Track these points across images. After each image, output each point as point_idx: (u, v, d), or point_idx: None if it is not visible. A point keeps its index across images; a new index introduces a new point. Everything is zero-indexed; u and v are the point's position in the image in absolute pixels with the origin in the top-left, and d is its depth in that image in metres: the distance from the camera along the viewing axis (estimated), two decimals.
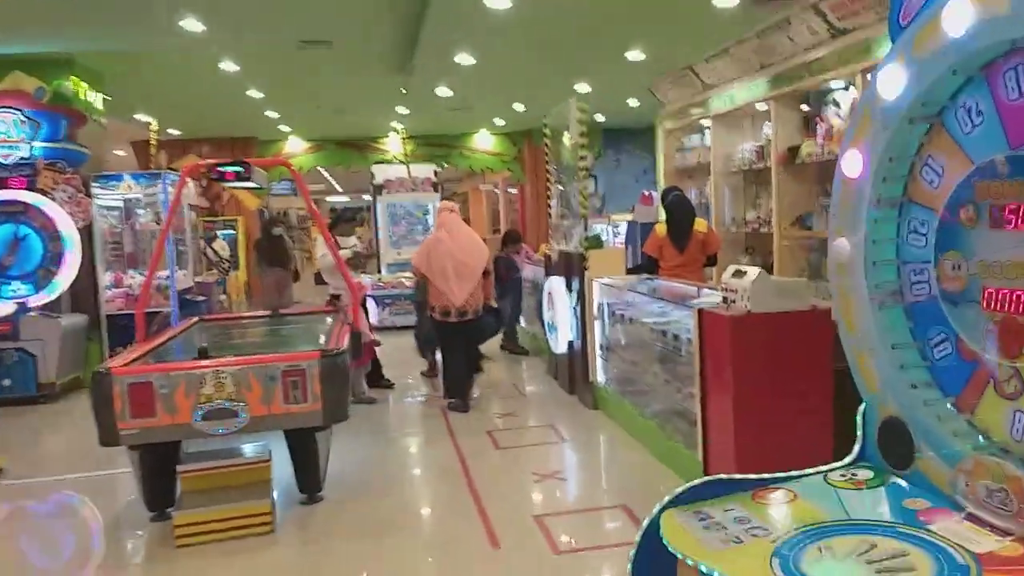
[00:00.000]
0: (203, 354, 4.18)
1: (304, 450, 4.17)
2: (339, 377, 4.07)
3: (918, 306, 1.73)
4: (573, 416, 5.73)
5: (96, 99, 8.29)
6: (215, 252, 13.92)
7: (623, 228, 11.04)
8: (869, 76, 5.25)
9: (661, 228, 5.94)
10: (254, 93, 10.23)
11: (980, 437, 1.59)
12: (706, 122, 8.09)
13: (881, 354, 1.75)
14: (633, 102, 12.65)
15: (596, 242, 5.94)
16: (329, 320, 5.38)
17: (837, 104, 6.26)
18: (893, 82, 1.67)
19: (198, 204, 11.23)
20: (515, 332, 8.53)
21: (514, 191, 19.55)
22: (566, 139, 6.88)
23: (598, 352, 5.73)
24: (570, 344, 6.14)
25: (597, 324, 5.72)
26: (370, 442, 5.33)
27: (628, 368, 5.22)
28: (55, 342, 7.24)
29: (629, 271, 5.98)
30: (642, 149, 17.03)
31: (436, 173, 13.73)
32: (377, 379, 6.82)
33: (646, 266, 5.95)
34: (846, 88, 6.09)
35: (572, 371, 6.19)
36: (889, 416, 1.76)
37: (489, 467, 4.72)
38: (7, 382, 7.19)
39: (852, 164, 1.81)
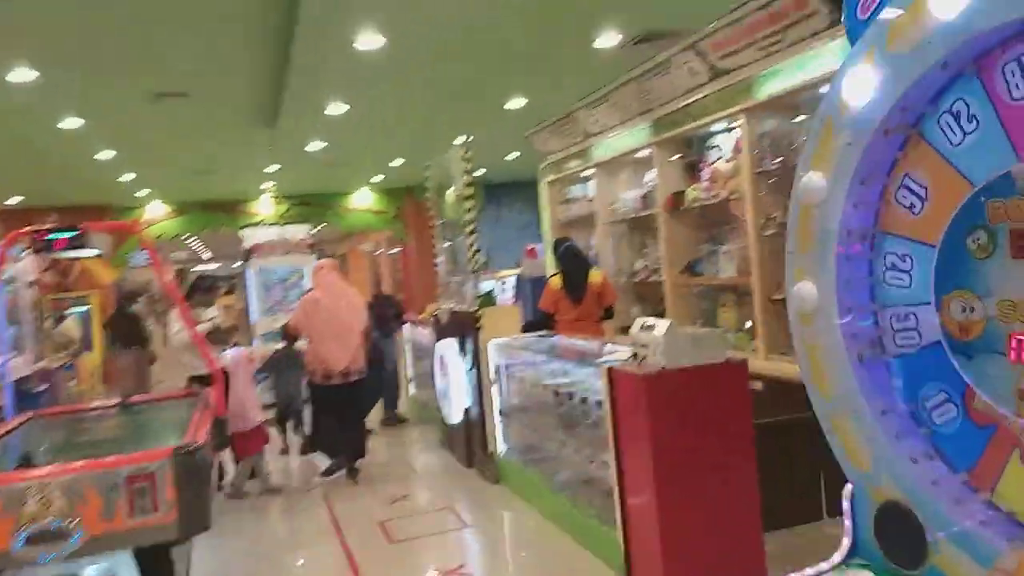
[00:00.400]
0: (26, 462, 3.43)
1: (158, 571, 3.46)
2: (198, 478, 3.41)
3: (906, 360, 1.40)
4: (474, 494, 5.21)
5: None
6: (63, 334, 12.56)
7: (510, 283, 10.76)
8: (746, 119, 5.23)
9: (555, 281, 5.62)
10: (105, 154, 9.33)
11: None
12: (589, 172, 7.96)
13: (868, 422, 1.40)
14: (513, 155, 12.55)
15: (489, 300, 5.54)
16: (189, 407, 4.65)
17: (719, 147, 6.22)
18: (862, 86, 1.36)
19: (40, 279, 10.04)
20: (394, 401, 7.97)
21: (396, 249, 19.00)
22: (450, 193, 6.53)
23: (497, 419, 5.27)
24: (466, 411, 5.65)
25: (494, 388, 5.28)
26: (241, 549, 4.60)
27: (531, 435, 4.79)
28: None
29: (524, 328, 5.59)
30: (523, 203, 17.00)
31: (312, 234, 13.05)
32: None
33: (542, 322, 5.59)
34: (728, 131, 6.06)
35: (469, 442, 5.69)
36: (888, 500, 1.41)
37: (383, 566, 4.12)
38: None
39: (812, 191, 1.48)
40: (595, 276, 5.63)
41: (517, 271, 10.44)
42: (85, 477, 3.21)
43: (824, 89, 4.85)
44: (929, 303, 1.33)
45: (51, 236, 3.99)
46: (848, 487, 1.53)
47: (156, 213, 14.67)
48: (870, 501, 1.47)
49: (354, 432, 5.96)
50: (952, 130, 1.29)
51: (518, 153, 12.51)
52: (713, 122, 5.81)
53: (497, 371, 5.25)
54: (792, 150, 5.04)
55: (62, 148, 8.80)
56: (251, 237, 12.74)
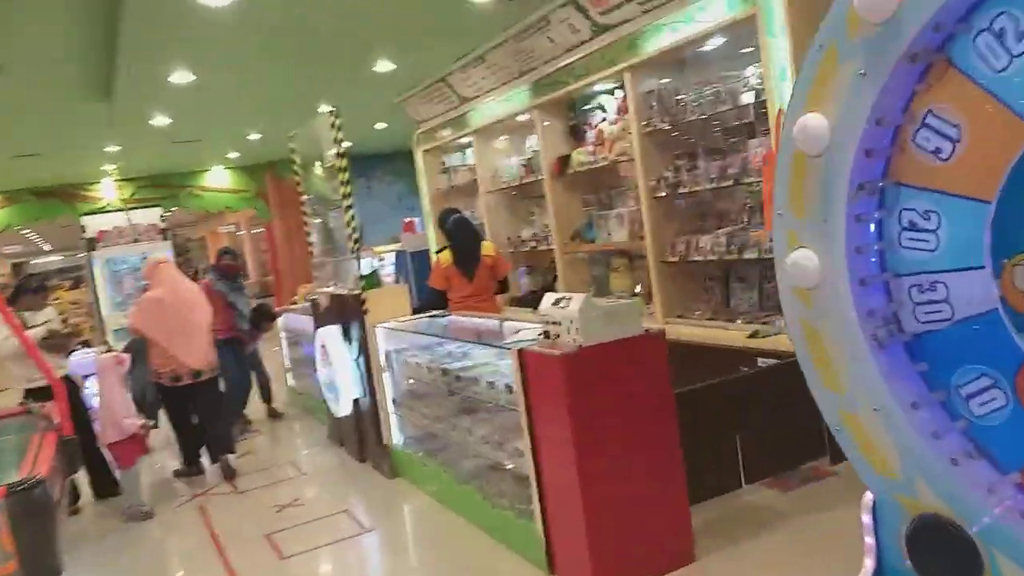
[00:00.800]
0: None
1: None
2: (41, 518, 2.85)
3: (932, 339, 1.16)
4: (371, 492, 4.79)
5: None
6: None
7: (389, 260, 10.26)
8: (631, 77, 5.01)
9: (445, 256, 5.24)
10: None
11: None
12: (467, 139, 7.59)
13: (895, 418, 1.15)
14: (381, 125, 11.94)
15: (374, 280, 5.08)
16: (25, 429, 3.95)
17: (604, 109, 6.01)
18: None
19: None
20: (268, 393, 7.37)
21: (260, 230, 17.93)
22: (318, 168, 5.98)
23: (391, 409, 4.87)
24: (356, 403, 5.20)
25: (386, 376, 4.86)
26: None
27: (430, 424, 4.42)
28: None
29: (415, 309, 5.19)
30: (394, 175, 16.43)
31: (163, 218, 11.96)
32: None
33: (434, 301, 5.21)
34: (612, 91, 5.85)
35: (361, 434, 5.25)
36: (925, 513, 1.16)
37: None
38: None
39: (812, 137, 1.19)
40: (487, 248, 5.30)
41: (395, 247, 9.95)
42: None
43: (712, 44, 4.71)
44: (963, 269, 1.09)
45: None
46: (867, 498, 1.28)
47: None
48: (901, 514, 1.22)
49: (216, 431, 5.65)
50: (994, 54, 1.04)
51: (386, 124, 11.92)
52: (596, 82, 5.58)
53: (388, 357, 4.84)
54: (681, 108, 4.89)
55: None
56: (94, 225, 11.56)
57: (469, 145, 7.72)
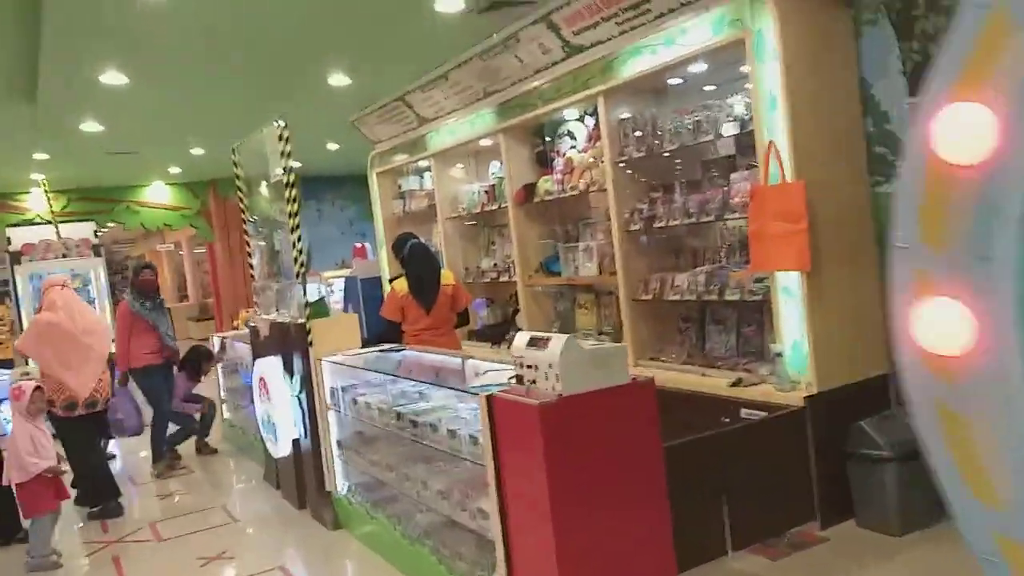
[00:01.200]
0: None
1: None
2: None
3: None
4: (310, 544, 4.29)
5: None
6: None
7: (338, 286, 9.75)
8: (605, 101, 4.71)
9: (401, 285, 4.83)
10: None
11: None
12: (425, 162, 7.21)
13: None
14: (334, 145, 11.51)
15: (321, 308, 4.62)
16: None
17: (573, 136, 5.71)
18: None
19: None
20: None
21: (202, 250, 17.19)
22: (264, 186, 5.55)
23: (335, 452, 4.40)
24: (296, 443, 4.71)
25: (331, 416, 4.40)
26: None
27: (380, 472, 3.97)
28: None
29: (366, 342, 4.75)
30: (346, 199, 15.97)
31: (97, 234, 11.25)
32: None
33: (387, 333, 4.79)
34: (583, 117, 5.56)
35: (301, 479, 4.75)
36: None
37: None
38: None
39: (965, 136, 0.85)
40: (447, 277, 4.92)
41: (344, 272, 9.47)
42: None
43: (694, 69, 4.44)
44: None
45: None
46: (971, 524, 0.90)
47: None
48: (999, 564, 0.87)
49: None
50: None
51: (338, 145, 11.49)
52: (567, 106, 5.27)
53: (333, 395, 4.38)
54: (658, 137, 4.61)
55: None
56: (20, 237, 10.79)
57: (427, 169, 7.35)
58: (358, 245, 11.50)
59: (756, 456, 3.37)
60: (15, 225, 11.93)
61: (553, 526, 2.55)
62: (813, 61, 3.75)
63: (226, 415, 7.19)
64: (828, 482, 3.50)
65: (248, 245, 5.89)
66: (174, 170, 12.95)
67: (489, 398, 2.78)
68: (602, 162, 4.96)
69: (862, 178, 3.94)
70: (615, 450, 2.68)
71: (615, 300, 5.17)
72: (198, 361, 6.67)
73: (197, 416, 6.52)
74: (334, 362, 4.39)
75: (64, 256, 10.71)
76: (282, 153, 4.64)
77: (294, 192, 4.66)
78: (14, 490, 4.38)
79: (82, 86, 6.36)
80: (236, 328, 7.98)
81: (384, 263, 7.80)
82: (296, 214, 4.69)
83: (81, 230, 11.32)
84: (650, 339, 4.84)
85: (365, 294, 7.67)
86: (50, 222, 11.25)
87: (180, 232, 16.98)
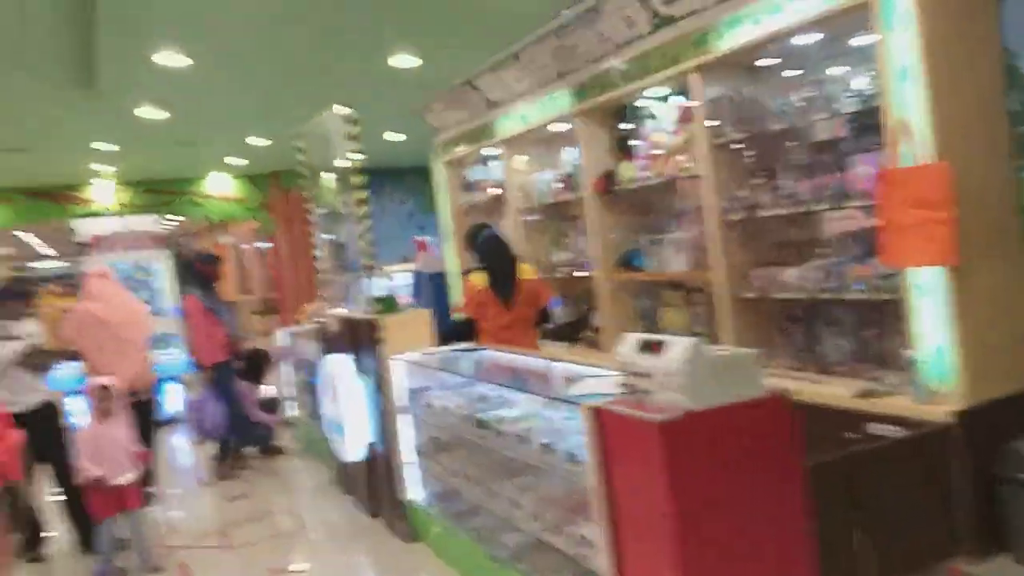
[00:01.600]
0: None
1: None
2: None
3: None
4: (384, 558, 4.00)
5: None
6: None
7: (399, 281, 9.52)
8: (701, 78, 4.29)
9: (478, 279, 4.50)
10: None
11: None
12: (494, 150, 6.88)
13: None
14: (393, 136, 11.26)
15: (391, 304, 4.34)
16: None
17: (655, 117, 5.29)
18: None
19: None
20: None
21: (265, 244, 17.23)
22: (328, 177, 5.32)
23: (411, 459, 4.10)
24: (370, 448, 4.43)
25: (406, 419, 4.10)
26: None
27: (461, 484, 3.65)
28: None
29: (441, 339, 4.45)
30: (405, 192, 15.79)
31: (163, 225, 11.26)
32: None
33: (462, 330, 4.47)
34: (665, 99, 5.14)
35: (374, 486, 4.48)
36: None
37: None
38: None
39: None
40: (527, 272, 4.57)
41: (408, 267, 9.23)
42: None
43: (805, 40, 3.98)
44: None
45: None
46: None
47: None
48: None
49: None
50: None
51: (399, 136, 11.24)
52: (654, 85, 4.86)
53: (407, 396, 4.08)
54: (762, 116, 4.17)
55: None
56: (88, 229, 10.88)
57: (495, 157, 7.02)
58: (419, 239, 11.28)
59: (895, 479, 2.93)
60: (82, 217, 12.03)
61: (678, 561, 2.18)
62: (952, 29, 3.28)
63: (292, 412, 7.00)
64: (980, 510, 3.05)
65: (313, 237, 5.66)
66: (237, 162, 12.90)
67: (597, 410, 2.42)
68: (695, 145, 4.54)
69: (1006, 161, 3.45)
70: (749, 474, 2.30)
71: (707, 297, 4.76)
72: (259, 364, 6.49)
73: (273, 426, 6.34)
74: (407, 361, 4.10)
75: (131, 249, 10.77)
76: (349, 136, 4.37)
77: (361, 180, 4.38)
78: None
79: (140, 68, 6.18)
80: (299, 322, 7.81)
81: (449, 257, 7.52)
82: (364, 202, 4.42)
83: (146, 222, 11.38)
84: (752, 341, 4.40)
85: (432, 289, 7.41)
86: (115, 214, 11.34)
87: (243, 225, 17.03)
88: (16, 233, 18.22)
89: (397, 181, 15.62)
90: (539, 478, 3.09)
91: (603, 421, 2.40)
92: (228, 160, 12.70)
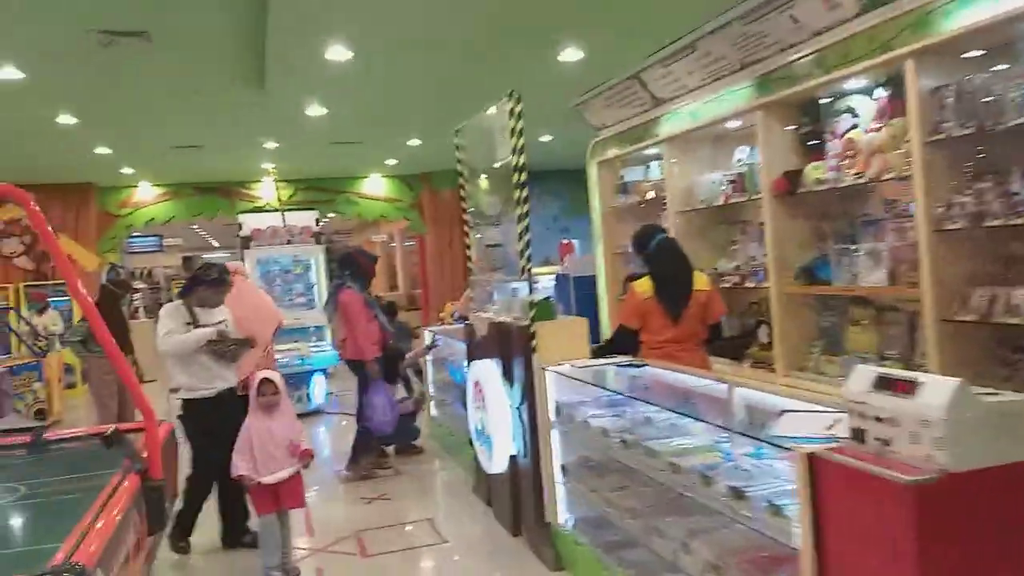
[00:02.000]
0: None
1: None
2: None
3: None
4: None
5: None
6: (43, 327, 11.11)
7: (544, 284, 9.24)
8: (916, 65, 3.63)
9: (644, 287, 4.08)
10: (66, 118, 7.82)
11: None
12: (655, 148, 6.41)
13: None
14: (546, 137, 11.02)
15: (547, 310, 4.00)
16: (115, 462, 3.10)
17: (854, 112, 4.65)
18: None
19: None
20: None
21: (412, 243, 17.53)
22: (483, 178, 5.10)
23: (558, 478, 3.74)
24: (513, 461, 4.12)
25: (555, 434, 3.75)
26: None
27: (618, 516, 3.24)
28: None
29: (596, 351, 4.06)
30: (550, 194, 15.55)
31: (318, 222, 11.55)
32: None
33: (621, 342, 4.06)
34: (866, 91, 4.50)
35: (517, 502, 4.16)
36: None
37: None
38: None
39: None
40: (700, 281, 4.10)
41: (551, 270, 8.91)
42: None
43: None
44: None
45: None
46: None
47: (145, 195, 13.21)
48: None
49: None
50: None
51: (551, 136, 10.97)
52: (857, 74, 4.25)
53: (559, 411, 3.72)
54: (995, 108, 3.49)
55: (11, 111, 7.27)
56: (250, 223, 11.35)
57: (655, 157, 6.54)
58: (565, 242, 10.95)
59: None
60: (246, 212, 12.60)
61: None
62: None
63: (432, 412, 6.85)
64: None
65: (466, 236, 5.44)
66: (391, 162, 13.13)
67: (811, 457, 1.95)
68: (905, 143, 3.89)
69: None
70: (1019, 554, 1.75)
71: (906, 317, 4.10)
72: (394, 361, 6.33)
73: (414, 425, 6.21)
74: (560, 373, 3.74)
75: (288, 243, 11.12)
76: (512, 131, 4.07)
77: (521, 177, 4.07)
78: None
79: (308, 65, 6.22)
80: (441, 321, 7.68)
81: (600, 261, 7.12)
82: (524, 201, 4.10)
83: (304, 218, 11.73)
84: (965, 373, 3.71)
85: (578, 294, 7.04)
86: (277, 210, 11.77)
87: (392, 224, 17.41)
88: (186, 225, 19.55)
89: (543, 183, 15.40)
90: (718, 523, 2.63)
91: (821, 471, 1.93)
92: (385, 161, 12.94)
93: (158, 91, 7.00)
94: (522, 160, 4.05)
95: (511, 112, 4.07)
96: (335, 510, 4.98)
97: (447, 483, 5.56)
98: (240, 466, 3.88)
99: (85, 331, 6.46)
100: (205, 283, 4.49)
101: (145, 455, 3.05)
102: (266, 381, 4.00)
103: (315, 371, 8.63)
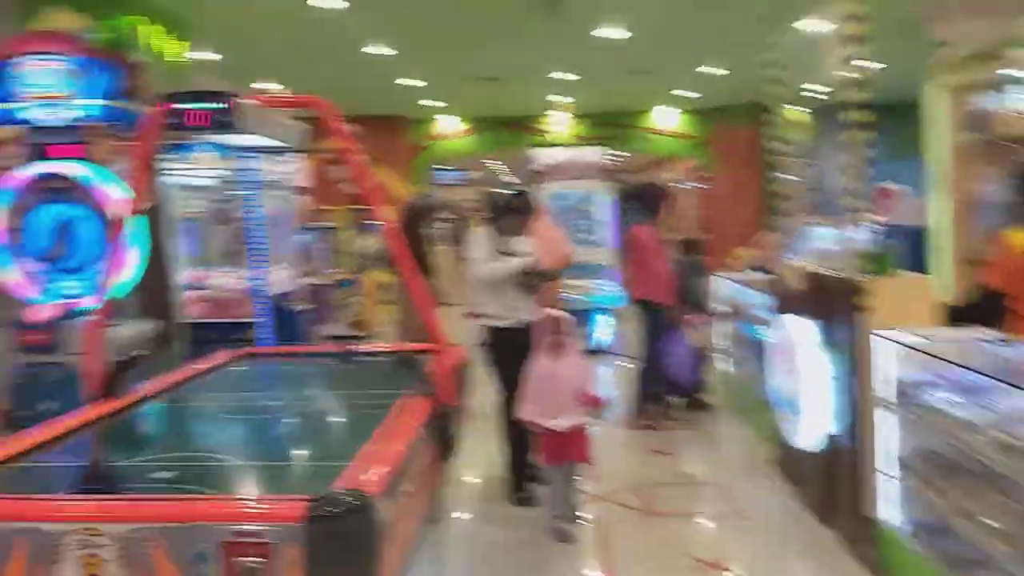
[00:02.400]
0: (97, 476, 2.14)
1: None
2: (354, 561, 1.82)
3: None
4: None
5: (172, 47, 6.54)
6: (361, 248, 12.32)
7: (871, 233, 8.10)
8: None
9: (1022, 239, 3.19)
10: (384, 49, 8.21)
11: None
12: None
13: None
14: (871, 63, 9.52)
15: (885, 263, 3.29)
16: (410, 383, 3.05)
17: None
18: None
19: (315, 186, 9.42)
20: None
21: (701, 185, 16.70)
22: (795, 111, 4.43)
23: (887, 469, 3.09)
24: (830, 440, 3.52)
25: (886, 415, 3.08)
26: None
27: (971, 529, 2.55)
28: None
29: (952, 316, 3.27)
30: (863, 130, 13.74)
31: (608, 159, 11.29)
32: None
33: (985, 308, 3.23)
34: None
35: (831, 488, 3.56)
36: None
37: None
38: (52, 405, 5.63)
39: None
40: None
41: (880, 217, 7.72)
42: (153, 532, 1.77)
43: None
44: None
45: (182, 105, 2.59)
46: None
47: (449, 129, 13.91)
48: None
49: None
50: None
51: (882, 65, 9.46)
52: None
53: (895, 389, 3.04)
54: None
55: (328, 42, 7.76)
56: (540, 158, 11.42)
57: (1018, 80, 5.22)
58: (884, 186, 9.54)
59: None
60: (535, 146, 12.74)
61: None
62: None
63: (721, 366, 6.31)
64: None
65: (770, 176, 4.78)
66: (684, 95, 12.41)
67: None
68: None
69: None
70: None
71: None
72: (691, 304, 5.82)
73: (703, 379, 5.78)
74: (900, 342, 3.03)
75: (577, 179, 11.00)
76: (850, 41, 3.36)
77: (862, 96, 3.37)
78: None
79: None
80: (730, 268, 7.04)
81: (938, 209, 5.96)
82: (869, 127, 3.39)
83: (593, 154, 11.52)
84: None
85: (911, 244, 5.97)
86: (565, 145, 11.72)
87: (683, 162, 16.70)
88: (485, 161, 20.49)
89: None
90: None
91: None
92: (677, 92, 12.25)
93: (466, 18, 7.03)
94: (863, 77, 3.32)
95: (848, 17, 3.34)
96: (615, 459, 4.72)
97: (739, 447, 5.03)
98: (526, 409, 3.66)
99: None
100: (512, 212, 4.35)
101: (436, 379, 2.97)
102: (553, 319, 3.71)
103: (598, 310, 8.47)
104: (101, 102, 5.57)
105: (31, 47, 5.40)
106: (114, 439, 2.74)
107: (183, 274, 6.56)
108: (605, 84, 10.87)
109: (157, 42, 6.22)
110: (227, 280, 6.80)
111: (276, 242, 6.95)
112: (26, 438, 2.39)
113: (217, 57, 7.85)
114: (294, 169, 7.56)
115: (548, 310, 3.86)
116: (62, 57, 5.43)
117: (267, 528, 1.76)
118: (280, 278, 6.89)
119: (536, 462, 4.06)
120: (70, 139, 5.57)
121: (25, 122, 5.52)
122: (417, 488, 2.47)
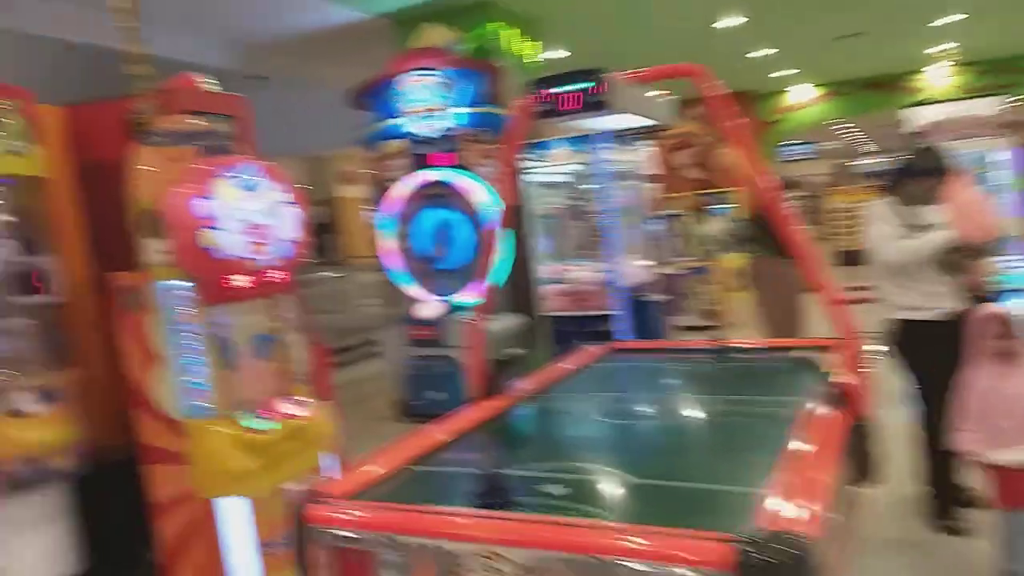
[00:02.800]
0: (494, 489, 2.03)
1: None
2: None
3: None
4: None
5: (527, 49, 6.74)
6: (707, 233, 11.90)
7: None
8: None
9: None
10: (735, 20, 7.67)
11: None
12: None
13: None
14: None
15: None
16: (814, 385, 2.58)
17: None
18: None
19: (663, 173, 9.15)
20: None
21: None
22: None
23: None
24: None
25: None
26: None
27: None
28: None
29: None
30: None
31: (1005, 109, 9.37)
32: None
33: None
34: None
35: None
36: None
37: None
38: (439, 395, 6.17)
39: None
40: None
41: None
42: (559, 562, 1.59)
43: None
44: None
45: (555, 89, 2.41)
46: None
47: (802, 97, 12.75)
48: None
49: None
50: None
51: None
52: None
53: None
54: None
55: (672, 17, 7.41)
56: (916, 118, 9.86)
57: None
58: None
59: None
60: (909, 106, 11.08)
61: None
62: None
63: None
64: None
65: None
66: None
67: None
68: None
69: None
70: None
71: None
72: None
73: None
74: None
75: (964, 137, 9.32)
76: None
77: None
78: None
79: None
80: None
81: None
82: None
83: (985, 106, 9.68)
84: None
85: None
86: (949, 99, 9.98)
87: None
88: (839, 128, 18.58)
89: None
90: None
91: None
92: None
93: None
94: None
95: None
96: None
97: None
98: (964, 437, 2.79)
99: (752, 231, 6.22)
100: (921, 174, 3.55)
101: (845, 383, 2.46)
102: (997, 318, 2.76)
103: (1011, 291, 6.98)
104: (469, 110, 5.94)
105: (410, 65, 5.93)
106: (502, 444, 2.71)
107: (543, 269, 6.77)
108: (1000, 20, 9.01)
109: (516, 46, 6.47)
110: (584, 273, 6.89)
111: (628, 232, 6.87)
112: (425, 438, 2.42)
113: (566, 54, 7.98)
114: (643, 157, 7.41)
115: (989, 306, 2.94)
116: (436, 71, 5.88)
117: (687, 572, 1.47)
118: (634, 269, 6.78)
119: (968, 483, 3.28)
120: (445, 148, 6.02)
121: (408, 135, 6.11)
122: (839, 525, 2.02)
